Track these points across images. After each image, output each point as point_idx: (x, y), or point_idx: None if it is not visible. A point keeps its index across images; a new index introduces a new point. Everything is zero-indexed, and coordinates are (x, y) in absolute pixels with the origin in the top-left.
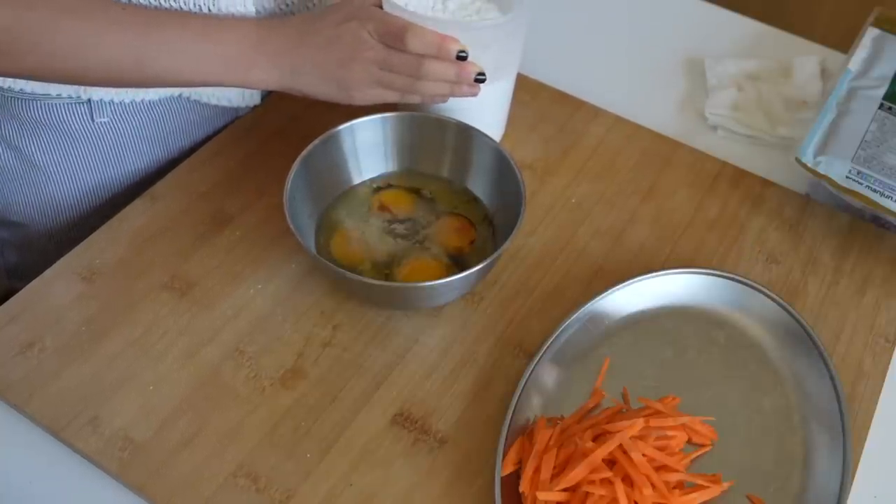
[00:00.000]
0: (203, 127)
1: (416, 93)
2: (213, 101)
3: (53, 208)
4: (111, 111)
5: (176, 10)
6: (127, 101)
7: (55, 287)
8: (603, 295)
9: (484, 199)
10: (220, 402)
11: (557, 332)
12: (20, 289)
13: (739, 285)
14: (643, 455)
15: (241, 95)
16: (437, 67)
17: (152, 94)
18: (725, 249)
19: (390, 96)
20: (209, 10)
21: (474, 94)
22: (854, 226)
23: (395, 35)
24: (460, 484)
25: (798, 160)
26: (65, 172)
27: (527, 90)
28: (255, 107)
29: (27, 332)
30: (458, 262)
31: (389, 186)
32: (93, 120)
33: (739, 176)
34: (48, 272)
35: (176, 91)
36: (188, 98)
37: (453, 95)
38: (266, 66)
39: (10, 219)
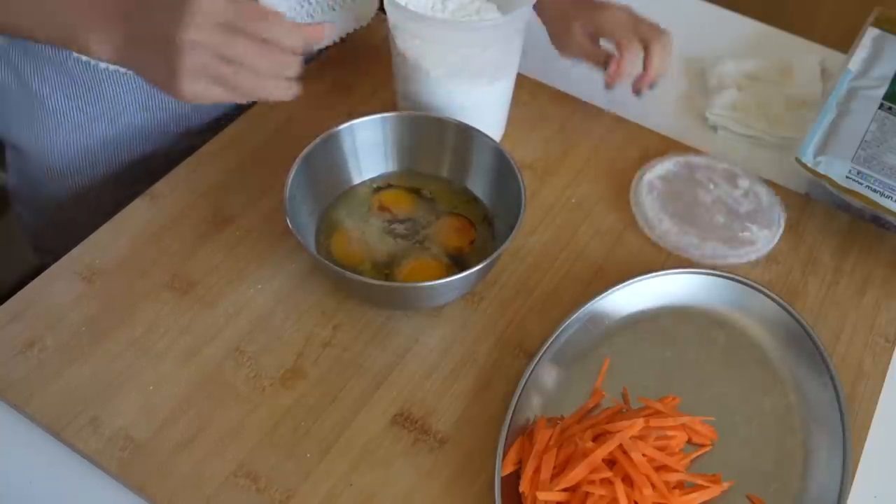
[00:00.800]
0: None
1: (250, 95)
2: None
3: (53, 146)
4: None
5: None
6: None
7: (55, 287)
8: (603, 295)
9: (484, 199)
10: (221, 401)
11: (557, 332)
12: (22, 214)
13: (739, 285)
14: (643, 455)
15: None
16: (278, 58)
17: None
18: None
19: (219, 95)
20: None
21: (292, 96)
22: (854, 226)
23: (249, 15)
24: (460, 484)
25: (798, 160)
26: (64, 112)
27: (527, 90)
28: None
29: (27, 332)
30: (458, 262)
31: (389, 186)
32: (91, 62)
33: None
34: (48, 272)
35: None
36: None
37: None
38: (99, 33)
39: (10, 140)
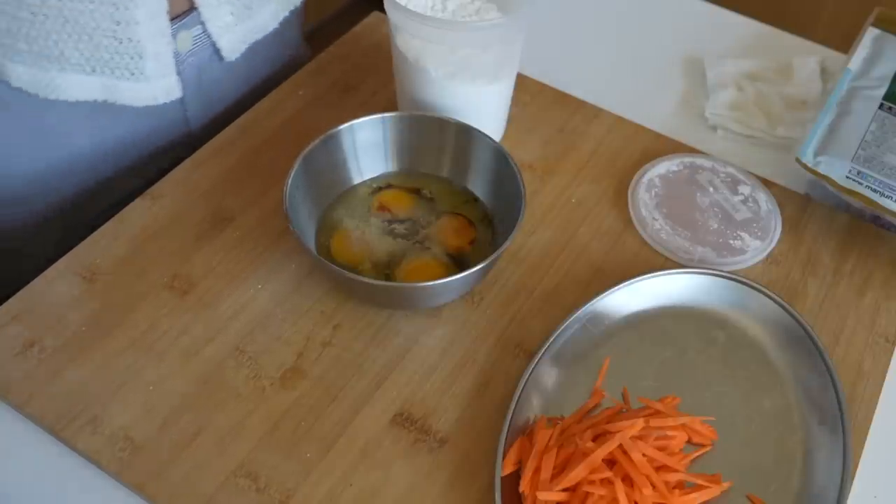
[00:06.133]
0: (136, 126)
1: None
2: (142, 104)
3: None
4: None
5: None
6: (42, 96)
7: (55, 287)
8: (603, 295)
9: (484, 199)
10: (221, 401)
11: (557, 332)
12: None
13: (739, 285)
14: (643, 455)
15: (165, 91)
16: None
17: (63, 95)
18: None
19: None
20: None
21: None
22: (854, 226)
23: None
24: (460, 484)
25: (798, 160)
26: (7, 141)
27: (527, 90)
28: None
29: (27, 332)
30: (458, 262)
31: (389, 186)
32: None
33: None
34: (48, 272)
35: (91, 96)
36: (115, 104)
37: None
38: None
39: None
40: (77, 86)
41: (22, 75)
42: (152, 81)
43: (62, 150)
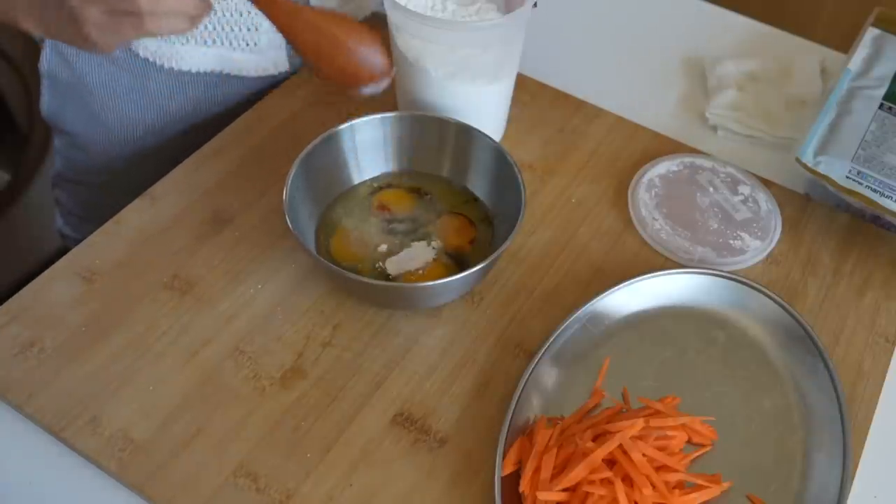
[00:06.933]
0: (240, 95)
1: (156, 22)
2: (253, 74)
3: (101, 135)
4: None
5: None
6: (166, 66)
7: (55, 287)
8: (603, 295)
9: (484, 199)
10: (220, 402)
11: (557, 332)
12: (61, 199)
13: (739, 285)
14: (643, 455)
15: (274, 63)
16: None
17: (185, 66)
18: None
19: (126, 29)
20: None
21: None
22: (854, 226)
23: None
24: (460, 484)
25: (798, 160)
26: (110, 98)
27: (527, 90)
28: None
29: (27, 332)
30: (458, 262)
31: (389, 186)
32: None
33: None
34: (48, 272)
35: (208, 67)
36: (228, 74)
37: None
38: (23, 9)
39: (60, 127)
40: (199, 57)
41: (149, 46)
42: (265, 53)
43: (162, 116)
